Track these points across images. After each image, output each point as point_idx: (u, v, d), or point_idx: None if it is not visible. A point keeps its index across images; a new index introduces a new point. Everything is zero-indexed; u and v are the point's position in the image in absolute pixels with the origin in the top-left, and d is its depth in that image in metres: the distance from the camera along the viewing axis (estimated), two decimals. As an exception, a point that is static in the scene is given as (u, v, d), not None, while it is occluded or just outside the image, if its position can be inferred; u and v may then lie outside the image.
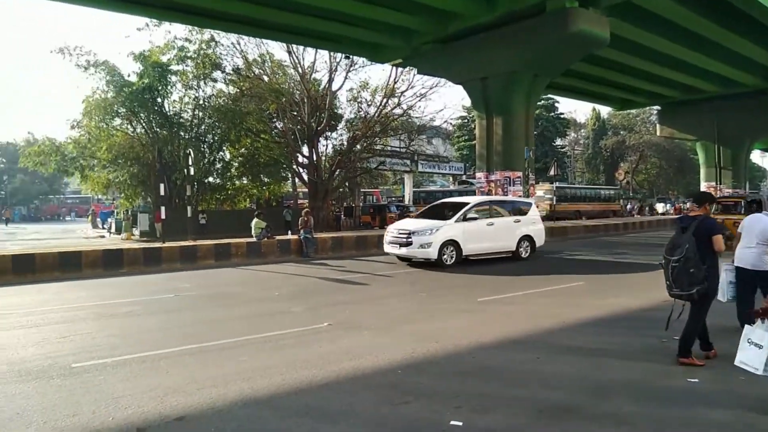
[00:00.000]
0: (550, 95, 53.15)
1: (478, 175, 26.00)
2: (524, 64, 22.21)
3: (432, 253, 14.21)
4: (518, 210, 16.60)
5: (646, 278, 12.24)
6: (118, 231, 30.12)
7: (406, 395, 4.98)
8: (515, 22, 21.05)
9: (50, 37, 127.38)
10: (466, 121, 57.66)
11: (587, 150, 71.60)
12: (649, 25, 22.33)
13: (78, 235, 33.07)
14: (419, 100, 31.15)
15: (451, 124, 47.91)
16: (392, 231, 15.16)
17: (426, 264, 14.56)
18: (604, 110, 66.29)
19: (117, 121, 26.95)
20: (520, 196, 23.36)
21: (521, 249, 16.05)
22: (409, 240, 14.32)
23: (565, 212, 36.13)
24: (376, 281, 12.37)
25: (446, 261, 14.41)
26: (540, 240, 16.67)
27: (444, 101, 67.18)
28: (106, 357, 6.25)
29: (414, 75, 29.22)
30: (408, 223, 15.88)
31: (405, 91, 30.32)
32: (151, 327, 7.93)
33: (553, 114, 62.36)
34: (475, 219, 15.23)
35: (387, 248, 15.16)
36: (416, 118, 33.55)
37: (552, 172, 34.35)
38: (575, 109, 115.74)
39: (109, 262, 14.44)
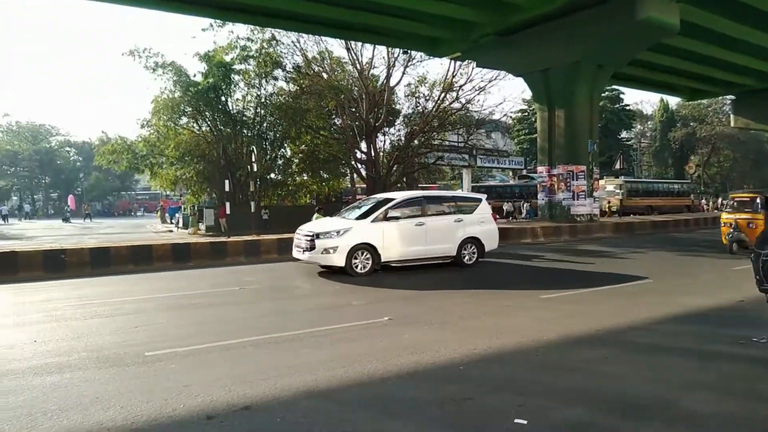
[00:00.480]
0: (614, 86, 51.31)
1: (540, 169, 25.48)
2: (587, 54, 21.58)
3: (337, 259, 11.95)
4: (461, 207, 13.85)
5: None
6: (186, 226, 31.29)
7: (469, 391, 4.94)
8: (578, 11, 20.46)
9: (123, 40, 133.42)
10: (526, 114, 56.50)
11: (654, 143, 68.73)
12: (722, 10, 21.18)
13: (148, 230, 34.60)
14: (478, 94, 30.71)
15: (510, 117, 47.11)
16: (298, 232, 13.05)
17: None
18: (673, 101, 63.53)
19: (184, 120, 27.98)
20: (587, 191, 22.68)
21: (465, 254, 13.35)
22: (313, 244, 12.15)
23: (635, 207, 34.99)
24: (435, 273, 12.31)
25: (358, 269, 12.03)
26: (491, 243, 13.97)
27: (503, 94, 66.09)
28: (177, 346, 6.50)
29: (473, 68, 28.90)
30: (317, 223, 13.74)
31: (463, 84, 30.05)
32: (218, 318, 8.19)
33: (618, 106, 60.18)
34: (397, 218, 12.64)
35: (294, 253, 13.13)
36: (475, 111, 33.19)
37: (617, 166, 33.23)
38: (642, 100, 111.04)
39: (178, 256, 15.01)
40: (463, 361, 5.82)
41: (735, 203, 16.71)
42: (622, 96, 60.47)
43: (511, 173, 52.30)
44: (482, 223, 13.86)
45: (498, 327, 7.30)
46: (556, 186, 24.08)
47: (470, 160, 38.62)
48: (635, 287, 10.52)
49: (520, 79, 25.76)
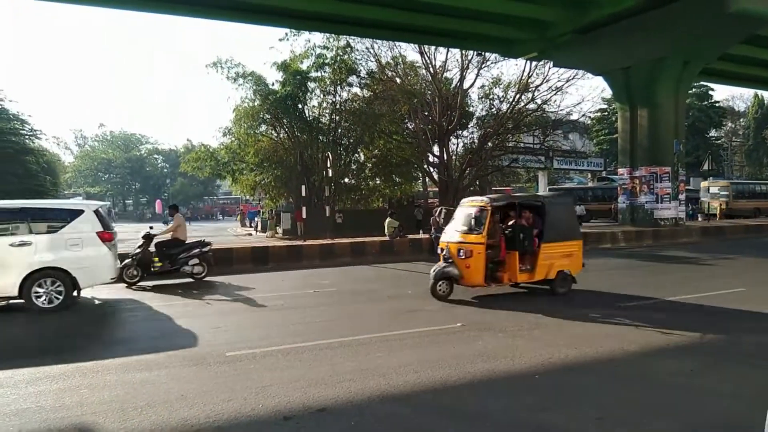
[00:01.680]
0: (702, 83, 48.51)
1: (621, 171, 24.50)
2: (673, 50, 20.54)
3: None
4: (36, 223, 9.50)
5: None
6: (264, 229, 32.35)
7: (545, 401, 4.82)
8: (662, 5, 19.54)
9: (207, 52, 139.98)
10: (606, 113, 54.39)
11: (747, 141, 64.32)
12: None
13: (229, 233, 36.05)
14: (555, 94, 29.85)
15: (589, 117, 45.49)
16: None
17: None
18: (769, 96, 59.22)
19: (263, 128, 28.94)
20: (672, 193, 21.62)
21: (40, 293, 9.20)
22: None
23: (742, 210, 33.26)
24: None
25: None
26: (92, 274, 9.72)
27: (582, 94, 63.72)
28: (255, 347, 6.73)
29: (549, 68, 28.15)
30: None
31: (539, 85, 29.32)
32: (295, 320, 8.41)
33: (706, 103, 56.79)
34: None
35: None
36: (551, 112, 32.28)
37: (705, 167, 31.32)
38: (733, 95, 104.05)
39: (257, 259, 15.55)
40: (539, 370, 5.68)
41: (444, 214, 12.69)
42: (711, 92, 57.04)
43: (590, 175, 50.56)
44: (75, 247, 9.52)
45: (575, 336, 7.08)
46: (638, 188, 23.05)
47: (546, 162, 37.63)
48: (725, 297, 9.89)
49: (600, 78, 24.88)
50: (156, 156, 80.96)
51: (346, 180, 30.74)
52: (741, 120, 67.54)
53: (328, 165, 21.94)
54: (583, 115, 35.55)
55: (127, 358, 6.42)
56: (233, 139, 29.09)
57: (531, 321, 8.04)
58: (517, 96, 29.54)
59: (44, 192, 40.24)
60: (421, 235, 20.67)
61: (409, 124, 31.54)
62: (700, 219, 31.49)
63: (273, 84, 27.60)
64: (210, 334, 7.58)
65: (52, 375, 5.80)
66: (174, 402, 4.94)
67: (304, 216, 22.04)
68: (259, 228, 34.62)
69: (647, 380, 5.39)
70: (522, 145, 35.52)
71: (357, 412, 4.69)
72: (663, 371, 5.68)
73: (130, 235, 33.21)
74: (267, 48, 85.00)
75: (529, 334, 7.30)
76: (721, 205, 33.18)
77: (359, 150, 30.69)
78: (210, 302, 10.22)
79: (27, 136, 38.06)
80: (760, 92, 56.72)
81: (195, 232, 37.57)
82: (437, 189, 32.37)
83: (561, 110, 32.49)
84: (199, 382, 5.51)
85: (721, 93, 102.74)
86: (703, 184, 36.41)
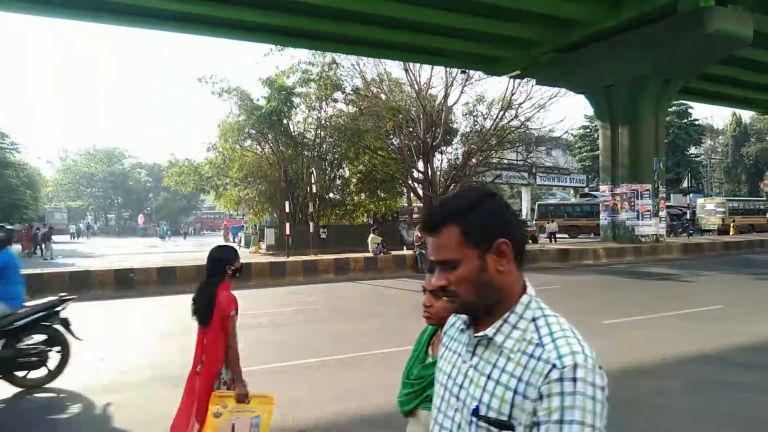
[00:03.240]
0: (682, 101, 49.44)
1: (602, 188, 24.78)
2: (653, 69, 20.93)
3: None
4: None
5: None
6: (247, 245, 32.15)
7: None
8: (642, 26, 19.92)
9: (189, 67, 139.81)
10: (588, 130, 55.18)
11: (726, 158, 65.53)
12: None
13: (212, 248, 35.65)
14: (538, 111, 30.23)
15: (572, 134, 46.14)
16: None
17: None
18: (747, 114, 60.47)
19: (248, 142, 28.89)
20: (652, 210, 21.97)
21: None
22: None
23: (738, 226, 34.07)
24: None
25: None
26: None
27: (564, 111, 64.45)
28: (236, 367, 6.64)
29: (532, 86, 28.55)
30: None
31: (523, 102, 29.68)
32: (276, 339, 8.34)
33: (686, 121, 57.82)
34: None
35: None
36: (534, 129, 32.67)
37: (685, 184, 31.88)
38: (711, 114, 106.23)
39: (240, 275, 15.39)
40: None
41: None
42: (690, 111, 58.11)
43: (572, 191, 51.17)
44: None
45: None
46: (619, 205, 23.32)
47: (529, 178, 38.09)
48: (703, 314, 10.00)
49: (582, 96, 25.25)
50: (139, 170, 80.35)
51: (331, 195, 30.74)
52: (720, 138, 68.85)
53: (313, 180, 21.94)
54: (566, 132, 36.15)
55: (105, 380, 6.30)
56: (218, 154, 28.98)
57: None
58: (501, 113, 29.87)
59: (24, 206, 39.71)
60: (405, 251, 20.69)
61: (394, 140, 31.69)
62: (695, 235, 32.08)
63: (258, 99, 27.63)
64: (191, 353, 7.46)
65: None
66: (153, 423, 4.87)
67: (287, 232, 21.94)
68: (242, 243, 34.42)
69: (627, 400, 5.41)
70: (506, 161, 35.88)
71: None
72: (644, 391, 5.70)
73: (110, 250, 32.87)
74: (253, 63, 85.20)
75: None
76: (733, 222, 34.09)
77: (344, 165, 30.74)
78: (189, 320, 10.09)
79: (8, 150, 37.58)
80: (737, 111, 57.94)
81: (177, 247, 37.29)
82: (421, 204, 32.49)
83: (544, 127, 32.92)
84: (178, 403, 5.41)
85: (700, 111, 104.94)
86: (700, 201, 37.31)
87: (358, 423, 4.87)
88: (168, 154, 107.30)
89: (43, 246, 30.55)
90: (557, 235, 30.82)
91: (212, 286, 3.64)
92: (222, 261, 3.68)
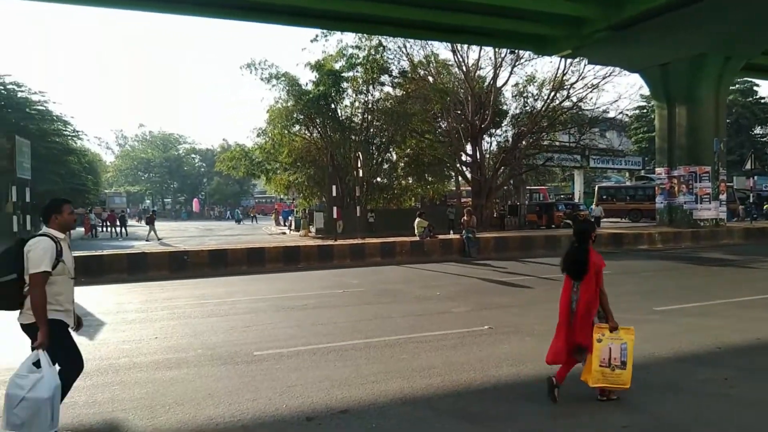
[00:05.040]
0: (746, 78, 46.93)
1: (659, 170, 23.94)
2: (713, 45, 19.93)
3: None
4: None
5: None
6: (297, 228, 32.69)
7: (571, 407, 4.75)
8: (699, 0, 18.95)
9: (241, 53, 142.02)
10: (645, 111, 53.11)
11: (795, 138, 61.79)
12: None
13: (263, 232, 36.53)
14: (590, 91, 29.30)
15: (627, 115, 44.49)
16: None
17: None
18: (819, 91, 56.75)
19: (296, 128, 29.25)
20: (712, 193, 21.10)
21: None
22: None
23: None
24: (541, 284, 11.94)
25: None
26: None
27: (619, 91, 61.85)
28: (282, 347, 6.81)
29: (585, 65, 27.67)
30: None
31: (575, 82, 28.86)
32: (323, 320, 8.48)
33: (750, 99, 54.82)
34: None
35: None
36: (587, 110, 31.74)
37: (748, 166, 30.27)
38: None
39: (288, 258, 15.73)
40: (568, 375, 5.58)
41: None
42: (756, 88, 55.07)
43: (627, 174, 49.51)
44: None
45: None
46: (676, 188, 22.46)
47: (582, 160, 37.02)
48: (764, 302, 9.55)
49: (637, 75, 24.32)
50: (193, 155, 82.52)
51: (378, 179, 30.82)
52: (789, 116, 64.97)
53: (359, 165, 22.02)
54: (621, 113, 34.81)
55: (159, 356, 6.58)
56: (267, 139, 29.47)
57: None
58: (552, 94, 29.14)
59: (86, 191, 41.49)
60: (452, 236, 20.57)
61: (441, 123, 31.44)
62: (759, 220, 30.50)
63: (306, 84, 27.87)
64: (240, 333, 7.70)
65: (86, 372, 5.98)
66: (201, 400, 5.04)
67: (335, 216, 22.16)
68: (292, 227, 34.99)
69: (679, 388, 5.25)
70: (557, 143, 35.00)
71: (378, 414, 4.70)
72: (697, 379, 5.52)
73: (167, 233, 34.05)
74: (299, 49, 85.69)
75: (557, 337, 7.18)
76: None
77: (391, 149, 30.74)
78: (241, 301, 10.38)
79: (70, 137, 39.23)
80: (808, 87, 54.54)
81: (230, 231, 38.27)
82: (470, 188, 32.19)
83: (597, 108, 31.92)
84: (227, 381, 5.60)
85: (767, 89, 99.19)
86: None
87: (399, 404, 4.91)
88: (220, 140, 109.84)
89: (121, 228, 33.95)
90: (604, 220, 29.95)
91: (584, 250, 4.79)
92: (587, 231, 4.93)
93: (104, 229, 36.85)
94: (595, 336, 4.72)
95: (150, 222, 31.06)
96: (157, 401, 5.04)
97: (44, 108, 35.05)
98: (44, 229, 4.17)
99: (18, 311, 4.08)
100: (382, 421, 4.54)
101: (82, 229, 33.63)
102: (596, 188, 39.60)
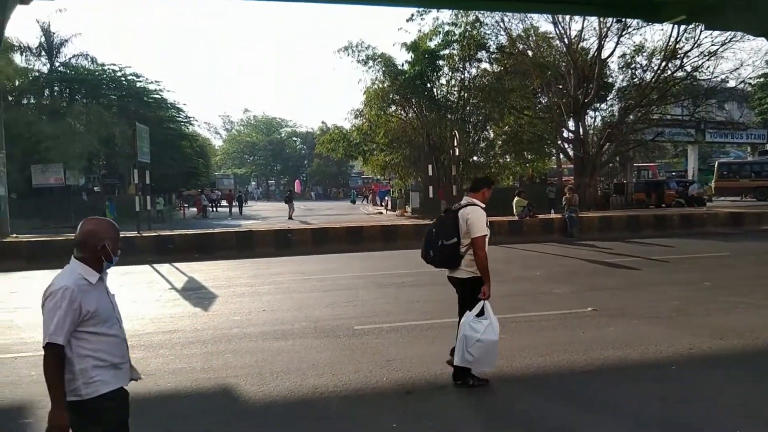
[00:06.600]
0: None
1: (787, 143, 21.72)
2: None
3: None
4: None
5: None
6: (393, 208, 33.06)
7: (680, 394, 4.50)
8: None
9: (337, 37, 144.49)
10: (771, 79, 48.22)
11: None
12: None
13: (361, 212, 37.31)
14: (707, 60, 26.92)
15: (750, 84, 40.64)
16: None
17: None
18: None
19: (392, 108, 29.40)
20: None
21: None
22: None
23: None
24: (648, 266, 11.33)
25: None
26: None
27: (740, 58, 56.19)
28: (382, 322, 6.98)
29: (701, 31, 25.47)
30: None
31: (689, 50, 26.64)
32: (420, 298, 8.57)
33: None
34: None
35: None
36: (703, 80, 29.27)
37: None
38: None
39: (386, 237, 15.97)
40: (677, 361, 5.30)
41: None
42: None
43: (749, 148, 45.44)
44: None
45: (724, 326, 6.46)
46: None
47: (697, 135, 34.47)
48: None
49: (762, 39, 22.08)
50: (294, 138, 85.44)
51: (475, 158, 30.38)
52: None
53: (456, 143, 21.80)
54: (742, 82, 31.76)
55: (266, 328, 6.95)
56: (364, 120, 29.88)
57: (672, 308, 7.47)
58: (663, 64, 27.12)
59: (198, 174, 44.27)
60: (553, 215, 19.93)
61: (541, 99, 30.35)
62: None
63: (402, 65, 27.87)
64: (341, 308, 7.97)
65: (202, 340, 6.46)
66: (306, 370, 5.29)
67: (431, 195, 22.13)
68: (389, 207, 35.44)
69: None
70: (668, 117, 32.67)
71: (478, 391, 4.70)
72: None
73: (271, 213, 35.70)
74: (394, 30, 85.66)
75: (668, 321, 6.81)
76: None
77: (488, 127, 30.15)
78: (341, 277, 10.70)
79: (182, 123, 41.89)
80: None
81: (330, 210, 39.42)
82: (572, 166, 30.93)
83: (715, 77, 29.28)
84: (329, 353, 5.83)
85: None
86: None
87: (499, 383, 4.88)
88: (319, 122, 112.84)
89: (239, 207, 38.21)
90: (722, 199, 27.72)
91: None
92: None
93: (215, 209, 39.38)
94: None
95: (289, 201, 32.55)
96: (266, 369, 5.34)
97: (159, 96, 37.66)
98: (468, 199, 5.03)
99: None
100: (481, 398, 4.55)
101: (194, 209, 36.04)
102: (716, 164, 36.69)
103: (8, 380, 5.27)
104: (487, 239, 4.97)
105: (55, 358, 2.33)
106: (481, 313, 4.64)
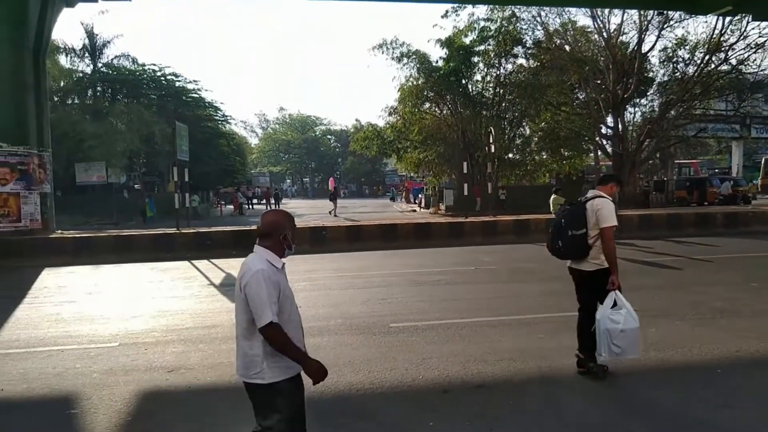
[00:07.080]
0: None
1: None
2: None
3: None
4: None
5: None
6: (427, 206, 32.97)
7: (724, 397, 4.37)
8: None
9: (372, 35, 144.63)
10: (822, 71, 46.27)
11: None
12: None
13: (394, 209, 37.30)
14: (754, 52, 25.98)
15: (799, 77, 39.12)
16: None
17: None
18: None
19: (426, 105, 29.32)
20: None
21: None
22: None
23: None
24: (691, 266, 11.02)
25: None
26: None
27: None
28: (417, 320, 6.96)
29: (747, 22, 24.60)
30: None
31: (734, 43, 25.76)
32: (456, 296, 8.52)
33: None
34: None
35: None
36: (750, 73, 28.27)
37: None
38: None
39: (419, 235, 15.93)
40: (722, 364, 5.14)
41: None
42: None
43: (797, 144, 43.78)
44: None
45: (771, 328, 6.24)
46: None
47: (742, 130, 33.38)
48: None
49: (814, 30, 21.22)
50: (329, 136, 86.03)
51: (510, 155, 30.06)
52: None
53: (491, 140, 21.59)
54: (791, 75, 30.61)
55: (303, 324, 6.99)
56: (398, 117, 29.88)
57: (717, 309, 7.26)
58: (707, 57, 26.31)
59: (234, 171, 44.99)
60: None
61: (579, 94, 29.83)
62: None
63: (436, 61, 27.75)
64: (376, 305, 7.98)
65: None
66: (342, 367, 5.31)
67: (465, 192, 21.94)
68: (422, 204, 35.35)
69: None
70: (712, 112, 31.73)
71: (516, 391, 4.66)
72: None
73: (305, 210, 36.00)
74: (429, 26, 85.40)
75: (713, 323, 6.61)
76: None
77: (524, 123, 29.80)
78: (376, 275, 10.72)
79: (220, 122, 42.62)
80: None
81: (363, 207, 39.55)
82: (610, 163, 30.30)
83: (762, 70, 28.30)
84: (365, 350, 5.85)
85: None
86: None
87: (537, 383, 4.82)
88: (353, 120, 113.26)
89: (276, 204, 39.03)
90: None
91: None
92: None
93: (251, 206, 39.98)
94: None
95: (333, 198, 32.83)
96: (303, 365, 5.38)
97: (198, 95, 38.41)
98: (595, 192, 4.99)
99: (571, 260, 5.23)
100: (519, 400, 4.49)
101: (231, 206, 36.63)
102: (762, 161, 35.46)
103: (55, 372, 5.44)
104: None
105: (277, 333, 2.54)
106: (614, 305, 4.68)
